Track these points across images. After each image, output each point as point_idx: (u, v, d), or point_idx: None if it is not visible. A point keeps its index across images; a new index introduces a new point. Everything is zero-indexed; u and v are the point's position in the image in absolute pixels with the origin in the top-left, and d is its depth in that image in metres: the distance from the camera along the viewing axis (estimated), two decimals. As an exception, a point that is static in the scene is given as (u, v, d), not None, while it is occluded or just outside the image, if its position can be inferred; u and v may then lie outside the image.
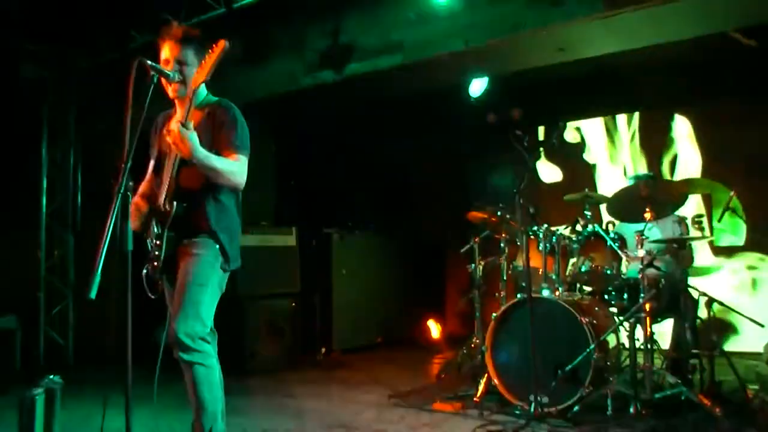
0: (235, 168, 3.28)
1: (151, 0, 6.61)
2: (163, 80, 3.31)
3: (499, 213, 5.61)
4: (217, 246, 3.30)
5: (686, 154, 7.52)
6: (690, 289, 5.01)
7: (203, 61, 3.15)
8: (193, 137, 3.12)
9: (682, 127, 7.58)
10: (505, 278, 5.65)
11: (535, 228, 5.24)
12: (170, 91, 3.38)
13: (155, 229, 3.34)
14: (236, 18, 6.34)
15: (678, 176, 7.46)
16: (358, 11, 6.42)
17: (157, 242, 3.31)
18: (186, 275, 3.24)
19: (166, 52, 3.34)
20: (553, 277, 5.15)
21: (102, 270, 2.57)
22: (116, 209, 2.69)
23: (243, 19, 6.39)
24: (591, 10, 5.18)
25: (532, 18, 5.45)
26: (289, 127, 8.10)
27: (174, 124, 3.17)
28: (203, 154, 3.15)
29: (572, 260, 5.29)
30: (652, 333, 4.66)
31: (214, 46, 3.12)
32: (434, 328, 8.78)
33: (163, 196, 3.29)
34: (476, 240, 6.08)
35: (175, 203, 3.25)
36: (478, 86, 7.67)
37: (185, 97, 3.31)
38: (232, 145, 3.29)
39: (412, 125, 8.86)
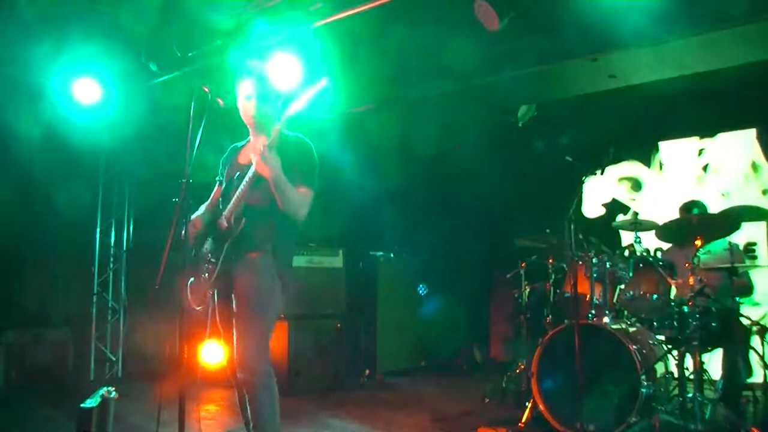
0: (302, 200, 3.43)
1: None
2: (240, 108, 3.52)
3: (548, 239, 5.60)
4: (275, 270, 3.43)
5: (741, 180, 7.39)
6: (741, 318, 4.92)
7: (303, 94, 3.28)
8: (277, 160, 3.29)
9: (736, 152, 7.44)
10: (551, 304, 5.63)
11: (583, 254, 5.22)
12: (245, 118, 3.56)
13: (211, 245, 3.47)
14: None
15: (731, 203, 7.32)
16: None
17: (212, 258, 3.43)
18: (250, 301, 3.38)
19: (245, 87, 3.53)
20: (601, 303, 5.12)
21: (156, 284, 2.68)
22: (177, 224, 2.80)
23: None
24: (641, 38, 5.17)
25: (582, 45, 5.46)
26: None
27: (260, 146, 3.30)
28: (282, 177, 3.31)
29: (620, 287, 5.26)
30: (701, 362, 4.58)
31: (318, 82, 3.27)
32: (478, 353, 8.73)
33: (230, 213, 3.42)
34: (523, 265, 6.08)
35: (243, 219, 3.38)
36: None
37: (261, 124, 3.53)
38: (305, 180, 3.44)
39: (461, 148, 8.86)
